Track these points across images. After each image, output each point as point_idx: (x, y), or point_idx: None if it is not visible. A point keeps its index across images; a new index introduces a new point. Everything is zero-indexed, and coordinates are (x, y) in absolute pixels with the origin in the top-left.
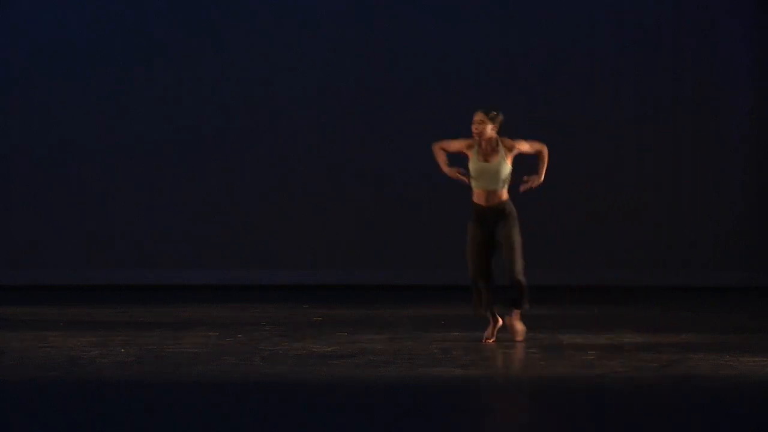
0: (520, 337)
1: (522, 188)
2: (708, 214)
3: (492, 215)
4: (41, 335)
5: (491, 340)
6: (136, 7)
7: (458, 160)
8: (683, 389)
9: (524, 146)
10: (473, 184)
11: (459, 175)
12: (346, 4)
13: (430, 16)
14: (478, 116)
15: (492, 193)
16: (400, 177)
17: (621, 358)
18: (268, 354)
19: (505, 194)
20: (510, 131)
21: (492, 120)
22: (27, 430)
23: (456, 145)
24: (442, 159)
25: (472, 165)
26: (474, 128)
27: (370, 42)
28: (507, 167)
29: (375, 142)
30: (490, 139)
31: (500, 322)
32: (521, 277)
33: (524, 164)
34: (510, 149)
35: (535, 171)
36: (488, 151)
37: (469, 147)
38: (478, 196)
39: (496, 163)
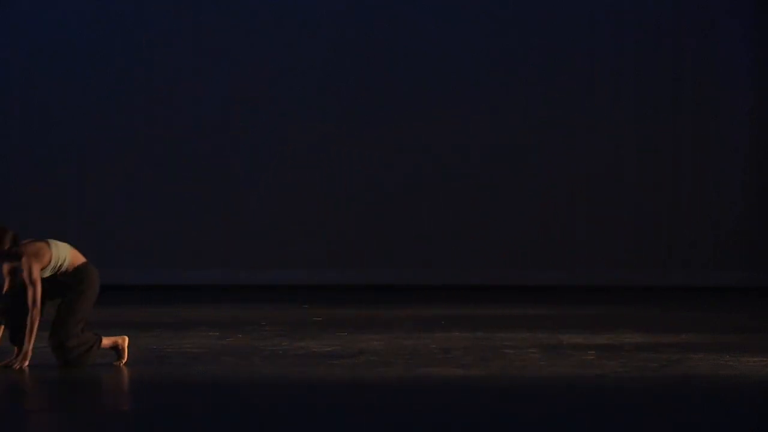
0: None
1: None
2: (708, 214)
3: None
4: (41, 335)
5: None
6: (136, 7)
7: None
8: (683, 389)
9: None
10: None
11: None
12: (346, 4)
13: (430, 16)
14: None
15: None
16: (400, 177)
17: (621, 358)
18: (268, 354)
19: None
20: (509, 131)
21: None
22: (27, 430)
23: None
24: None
25: None
26: None
27: (370, 42)
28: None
29: (375, 141)
30: (11, 257)
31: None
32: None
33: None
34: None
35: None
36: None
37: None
38: None
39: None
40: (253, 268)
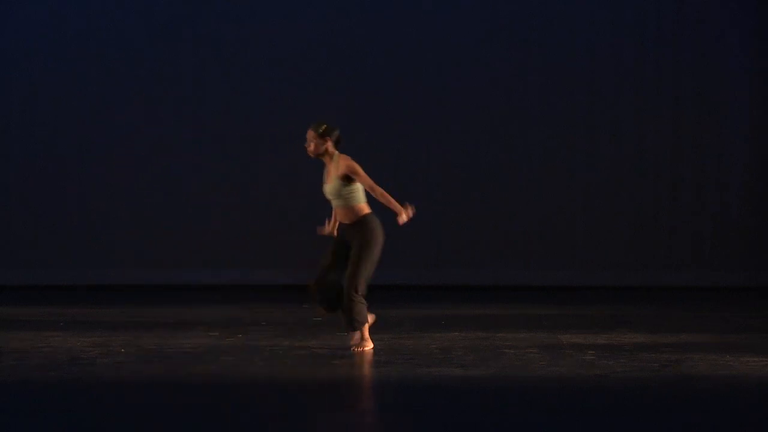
0: (356, 346)
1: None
2: (708, 214)
3: (349, 232)
4: (41, 335)
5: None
6: (136, 7)
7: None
8: (683, 389)
9: (355, 175)
10: None
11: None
12: (345, 3)
13: (430, 16)
14: (308, 133)
15: (342, 210)
16: (399, 177)
17: (621, 358)
18: (268, 354)
19: (359, 210)
20: (509, 130)
21: (321, 135)
22: (27, 430)
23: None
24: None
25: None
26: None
27: (369, 41)
28: (340, 185)
29: (374, 142)
30: (329, 156)
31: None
32: (351, 296)
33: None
34: (344, 168)
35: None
36: (330, 170)
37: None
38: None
39: (330, 184)
40: (253, 268)
